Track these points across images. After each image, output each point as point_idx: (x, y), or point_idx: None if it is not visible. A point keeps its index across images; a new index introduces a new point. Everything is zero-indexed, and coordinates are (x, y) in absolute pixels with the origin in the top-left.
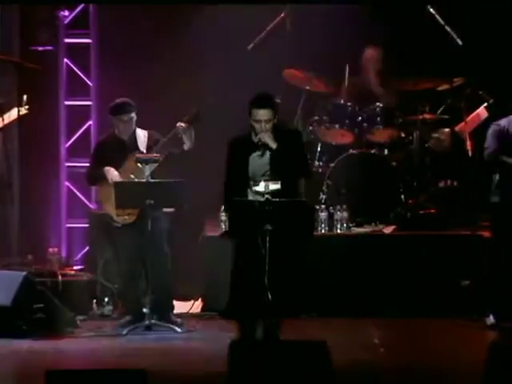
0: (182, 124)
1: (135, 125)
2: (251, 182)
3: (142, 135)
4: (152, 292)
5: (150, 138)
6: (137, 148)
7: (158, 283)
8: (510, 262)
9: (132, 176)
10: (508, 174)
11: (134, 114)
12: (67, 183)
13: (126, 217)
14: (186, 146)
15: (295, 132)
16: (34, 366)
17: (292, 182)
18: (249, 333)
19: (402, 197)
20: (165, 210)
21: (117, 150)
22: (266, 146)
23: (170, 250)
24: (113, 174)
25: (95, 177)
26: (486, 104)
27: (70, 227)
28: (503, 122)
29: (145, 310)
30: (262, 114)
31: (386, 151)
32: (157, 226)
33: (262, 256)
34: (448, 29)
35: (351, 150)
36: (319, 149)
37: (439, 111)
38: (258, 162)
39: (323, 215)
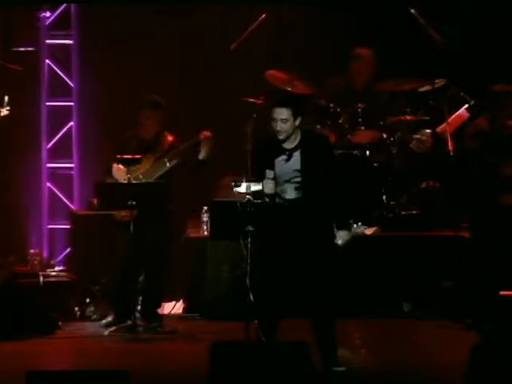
0: (206, 133)
1: (162, 127)
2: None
3: (168, 140)
4: (142, 293)
5: (171, 143)
6: (156, 150)
7: (149, 284)
8: (490, 262)
9: (140, 177)
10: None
11: (157, 114)
12: (49, 184)
13: (124, 214)
14: (201, 156)
15: (323, 138)
16: (16, 367)
17: (318, 190)
18: (269, 334)
19: (384, 198)
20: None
21: (135, 147)
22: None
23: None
24: (117, 172)
25: (106, 170)
26: (467, 105)
27: (51, 228)
28: None
29: (137, 313)
30: (278, 112)
31: (367, 152)
32: (154, 227)
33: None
34: (430, 30)
35: None
36: None
37: (421, 112)
38: (284, 166)
39: None
